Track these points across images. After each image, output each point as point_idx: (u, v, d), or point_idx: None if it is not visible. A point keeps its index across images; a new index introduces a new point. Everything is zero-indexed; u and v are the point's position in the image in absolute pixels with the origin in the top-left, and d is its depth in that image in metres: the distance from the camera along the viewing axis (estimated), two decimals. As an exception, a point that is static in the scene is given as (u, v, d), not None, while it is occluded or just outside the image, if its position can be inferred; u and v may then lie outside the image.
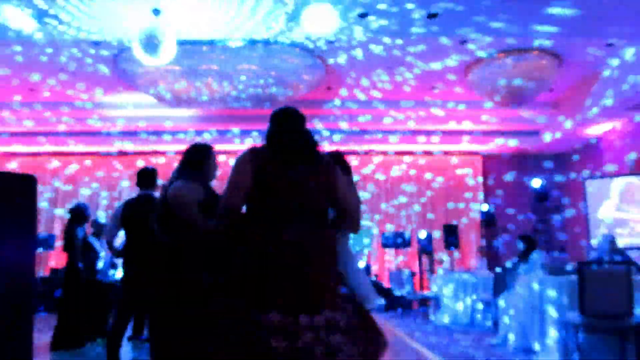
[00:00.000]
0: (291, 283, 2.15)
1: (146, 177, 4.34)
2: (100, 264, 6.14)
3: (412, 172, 11.31)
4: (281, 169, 2.27)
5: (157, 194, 3.90)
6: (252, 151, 2.33)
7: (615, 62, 7.47)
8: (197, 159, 3.13)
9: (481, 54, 7.36)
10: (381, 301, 9.06)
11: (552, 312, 4.71)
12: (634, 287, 4.28)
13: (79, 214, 5.74)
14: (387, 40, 6.81)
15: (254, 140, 9.94)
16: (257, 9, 5.90)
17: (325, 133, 9.81)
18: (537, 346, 4.96)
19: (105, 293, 6.46)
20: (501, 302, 6.04)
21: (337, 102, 9.21)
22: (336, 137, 9.96)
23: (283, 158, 2.30)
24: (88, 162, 10.98)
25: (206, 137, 10.04)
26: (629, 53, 7.15)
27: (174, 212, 2.93)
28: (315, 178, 2.29)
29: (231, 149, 10.46)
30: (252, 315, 2.11)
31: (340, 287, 2.38)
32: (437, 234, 10.68)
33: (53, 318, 5.81)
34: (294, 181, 2.25)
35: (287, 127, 2.39)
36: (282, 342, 2.06)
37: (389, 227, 10.97)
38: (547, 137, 10.00)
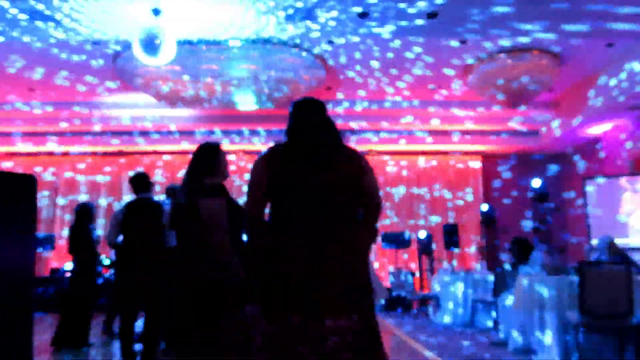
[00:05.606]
0: (309, 286, 2.04)
1: (141, 181, 4.51)
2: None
3: (412, 172, 11.30)
4: (295, 168, 2.13)
5: (160, 197, 4.02)
6: (268, 152, 2.22)
7: (615, 62, 7.46)
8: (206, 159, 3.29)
9: (481, 54, 7.36)
10: (381, 301, 9.05)
11: (552, 312, 4.71)
12: (634, 287, 4.29)
13: (86, 212, 5.76)
14: (386, 40, 6.81)
15: (260, 140, 9.95)
16: (257, 8, 5.90)
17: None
18: (537, 346, 4.96)
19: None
20: (501, 302, 6.04)
21: (337, 102, 9.21)
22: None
23: (297, 156, 2.16)
24: (88, 162, 10.96)
25: (203, 138, 10.03)
26: (629, 53, 7.14)
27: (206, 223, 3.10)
28: (334, 174, 2.15)
29: (231, 149, 10.47)
30: (273, 321, 2.03)
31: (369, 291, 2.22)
32: (437, 234, 10.66)
33: (53, 318, 5.80)
34: (309, 181, 2.11)
35: (304, 122, 2.24)
36: (306, 347, 1.98)
37: (389, 227, 10.96)
38: (547, 137, 10.00)
